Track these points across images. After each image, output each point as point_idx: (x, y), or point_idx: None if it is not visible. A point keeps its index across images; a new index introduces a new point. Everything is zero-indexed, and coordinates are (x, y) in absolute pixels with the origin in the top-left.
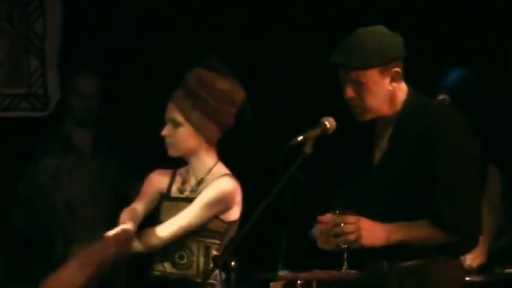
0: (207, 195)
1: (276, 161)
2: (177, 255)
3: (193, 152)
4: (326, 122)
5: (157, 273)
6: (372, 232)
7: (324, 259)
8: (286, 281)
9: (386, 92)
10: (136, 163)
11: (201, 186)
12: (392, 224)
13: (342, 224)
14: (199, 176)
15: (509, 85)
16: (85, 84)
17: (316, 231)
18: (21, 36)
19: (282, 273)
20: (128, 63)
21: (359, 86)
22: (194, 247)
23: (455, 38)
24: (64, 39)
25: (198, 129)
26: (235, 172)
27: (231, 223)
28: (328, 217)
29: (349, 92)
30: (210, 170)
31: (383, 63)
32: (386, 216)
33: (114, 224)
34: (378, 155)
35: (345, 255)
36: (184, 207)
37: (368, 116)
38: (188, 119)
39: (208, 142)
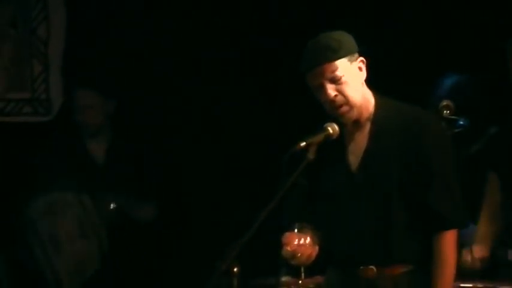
0: None
1: (278, 166)
2: None
3: None
4: (329, 128)
5: None
6: None
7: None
8: (288, 287)
9: (361, 84)
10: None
11: None
12: None
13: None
14: None
15: (509, 89)
16: (82, 97)
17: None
18: (25, 41)
19: (285, 279)
20: (132, 68)
21: (337, 81)
22: None
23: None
24: (68, 44)
25: None
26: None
27: None
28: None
29: (332, 90)
30: None
31: (350, 53)
32: (378, 213)
33: None
34: (354, 160)
35: (302, 268)
36: None
37: (353, 114)
38: None
39: None
